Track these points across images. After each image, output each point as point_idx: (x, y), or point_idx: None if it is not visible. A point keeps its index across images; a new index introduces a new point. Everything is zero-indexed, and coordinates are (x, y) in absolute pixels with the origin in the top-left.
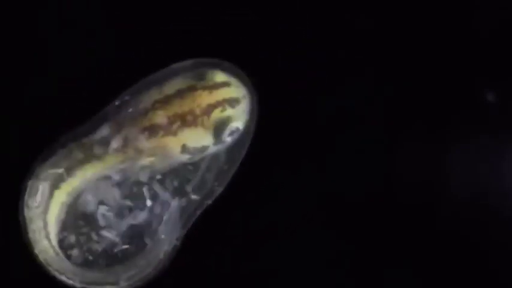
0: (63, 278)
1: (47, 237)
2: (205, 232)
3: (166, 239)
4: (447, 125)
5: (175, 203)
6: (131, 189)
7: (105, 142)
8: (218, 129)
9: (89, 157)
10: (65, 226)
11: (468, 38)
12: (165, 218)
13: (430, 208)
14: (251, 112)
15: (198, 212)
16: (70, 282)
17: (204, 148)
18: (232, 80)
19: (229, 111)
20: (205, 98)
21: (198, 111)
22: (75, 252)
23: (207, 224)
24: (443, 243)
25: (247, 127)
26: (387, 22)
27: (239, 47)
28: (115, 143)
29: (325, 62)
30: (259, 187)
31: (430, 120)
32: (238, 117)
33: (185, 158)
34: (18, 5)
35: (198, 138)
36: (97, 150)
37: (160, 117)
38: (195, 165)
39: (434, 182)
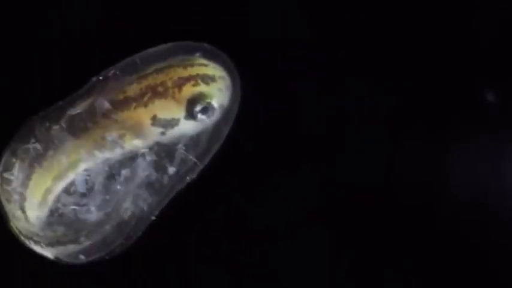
0: (31, 243)
1: (22, 208)
2: (186, 212)
3: (125, 194)
4: (447, 125)
5: (142, 161)
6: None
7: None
8: (190, 103)
9: None
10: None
11: (468, 38)
12: (127, 170)
13: (430, 208)
14: (233, 96)
15: (176, 188)
16: (38, 247)
17: (174, 121)
18: (212, 63)
19: (201, 87)
20: (178, 72)
21: (169, 83)
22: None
23: (189, 205)
24: (443, 243)
25: (227, 111)
26: (386, 21)
27: (241, 43)
28: (80, 107)
29: (324, 62)
30: (253, 181)
31: (430, 120)
32: (212, 95)
33: (157, 131)
34: None
35: (168, 110)
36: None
37: (133, 90)
38: (172, 144)
39: (434, 182)
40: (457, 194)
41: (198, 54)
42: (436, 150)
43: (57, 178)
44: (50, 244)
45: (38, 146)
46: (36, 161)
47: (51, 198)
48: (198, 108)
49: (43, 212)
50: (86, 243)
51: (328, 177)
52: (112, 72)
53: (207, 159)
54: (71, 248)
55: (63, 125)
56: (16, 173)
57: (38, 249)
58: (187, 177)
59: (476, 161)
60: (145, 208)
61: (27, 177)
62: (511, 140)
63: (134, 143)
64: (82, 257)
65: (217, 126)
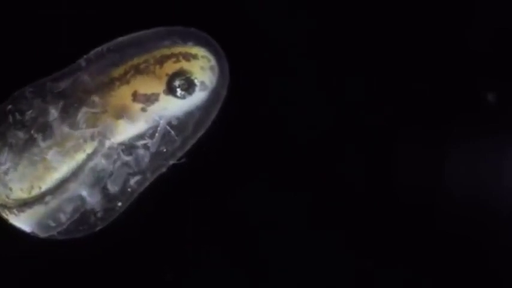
0: (6, 212)
1: (5, 185)
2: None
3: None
4: (447, 125)
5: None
6: None
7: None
8: (170, 78)
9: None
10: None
11: (468, 39)
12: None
13: (430, 208)
14: (220, 81)
15: (160, 169)
16: (12, 215)
17: (154, 96)
18: (198, 46)
19: (182, 63)
20: (162, 51)
21: (151, 61)
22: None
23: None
24: (443, 244)
25: (214, 96)
26: (387, 21)
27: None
28: (63, 85)
29: (324, 60)
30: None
31: (430, 121)
32: (193, 71)
33: (138, 107)
34: None
35: (149, 85)
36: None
37: (118, 71)
38: (157, 124)
39: (434, 183)
40: (457, 194)
41: (187, 39)
42: (436, 150)
43: (48, 167)
44: (20, 208)
45: (22, 133)
46: (26, 145)
47: (42, 186)
48: (177, 82)
49: (26, 195)
50: (53, 203)
51: (327, 176)
52: (99, 52)
53: (193, 143)
54: (40, 210)
55: (49, 101)
56: (4, 158)
57: (13, 219)
58: (173, 158)
59: (476, 161)
60: (128, 186)
61: (17, 161)
62: (511, 140)
63: (118, 124)
64: (52, 223)
65: (204, 111)
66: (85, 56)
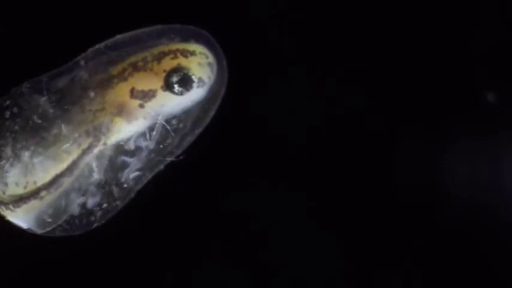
0: (3, 208)
1: (1, 180)
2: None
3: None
4: (447, 125)
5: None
6: None
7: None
8: (168, 74)
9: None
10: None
11: (468, 39)
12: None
13: (430, 208)
14: (218, 78)
15: (158, 165)
16: (8, 211)
17: (152, 92)
18: (197, 43)
19: (180, 60)
20: (160, 48)
21: (149, 58)
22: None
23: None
24: (443, 243)
25: (213, 93)
26: (386, 21)
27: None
28: (61, 82)
29: (323, 60)
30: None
31: (430, 120)
32: (190, 68)
33: (135, 104)
34: None
35: (146, 81)
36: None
37: (117, 69)
38: (156, 120)
39: (434, 182)
40: (457, 194)
41: (185, 37)
42: (436, 150)
43: (44, 163)
44: (16, 203)
45: (19, 128)
46: (22, 141)
47: (37, 181)
48: (174, 78)
49: (21, 190)
50: (48, 198)
51: (327, 176)
52: (97, 49)
53: (191, 140)
54: (36, 205)
55: (47, 97)
56: (1, 153)
57: (9, 215)
58: (170, 156)
59: (476, 161)
60: (126, 183)
61: (15, 157)
62: (511, 140)
63: (116, 122)
64: (48, 219)
65: (202, 109)
66: (83, 54)
